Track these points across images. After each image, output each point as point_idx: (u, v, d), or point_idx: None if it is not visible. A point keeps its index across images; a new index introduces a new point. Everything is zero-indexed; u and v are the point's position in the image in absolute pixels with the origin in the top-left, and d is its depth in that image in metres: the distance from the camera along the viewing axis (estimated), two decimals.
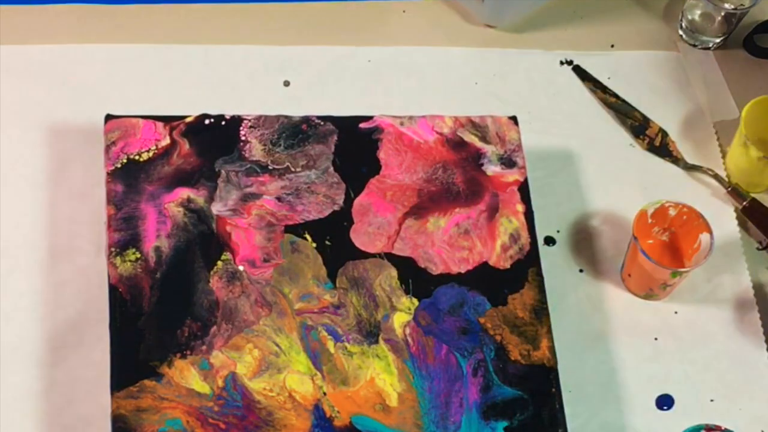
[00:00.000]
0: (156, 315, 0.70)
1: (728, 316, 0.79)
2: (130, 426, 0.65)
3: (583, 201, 0.83)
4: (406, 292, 0.73)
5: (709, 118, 0.90)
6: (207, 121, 0.78)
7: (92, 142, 0.79)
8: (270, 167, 0.76)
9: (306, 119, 0.79)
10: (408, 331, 0.72)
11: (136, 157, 0.76)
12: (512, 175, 0.79)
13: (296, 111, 0.81)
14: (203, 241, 0.73)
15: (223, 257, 0.72)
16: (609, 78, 0.91)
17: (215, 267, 0.72)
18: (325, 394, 0.69)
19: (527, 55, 0.91)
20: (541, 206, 0.79)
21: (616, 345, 0.77)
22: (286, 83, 0.86)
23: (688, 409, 0.75)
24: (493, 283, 0.74)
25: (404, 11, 0.93)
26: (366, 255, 0.74)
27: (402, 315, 0.72)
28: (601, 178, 0.85)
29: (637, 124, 0.88)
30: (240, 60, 0.87)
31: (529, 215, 0.77)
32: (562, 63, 0.91)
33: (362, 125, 0.80)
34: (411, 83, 0.88)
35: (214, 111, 0.79)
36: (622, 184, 0.85)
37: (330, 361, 0.70)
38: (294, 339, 0.70)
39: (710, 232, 0.76)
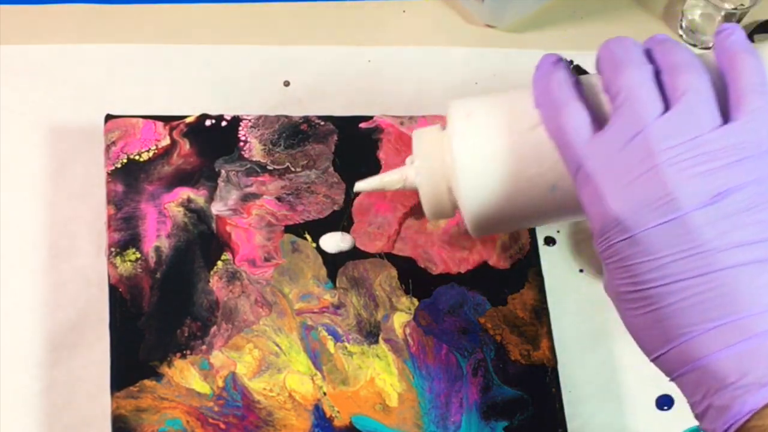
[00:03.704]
0: (156, 315, 0.70)
1: None
2: (130, 426, 0.65)
3: None
4: (406, 292, 0.73)
5: None
6: (207, 122, 0.78)
7: (92, 142, 0.79)
8: (270, 167, 0.76)
9: (306, 119, 0.79)
10: (408, 331, 0.72)
11: (136, 157, 0.76)
12: None
13: (296, 111, 0.81)
14: (203, 241, 0.73)
15: (223, 257, 0.72)
16: None
17: (215, 267, 0.72)
18: (325, 394, 0.69)
19: (527, 55, 0.91)
20: None
21: (616, 345, 0.77)
22: (286, 83, 0.86)
23: (688, 409, 0.75)
24: (493, 283, 0.74)
25: (404, 11, 0.93)
26: (366, 255, 0.74)
27: (402, 315, 0.72)
28: None
29: None
30: (240, 60, 0.87)
31: None
32: None
33: (362, 125, 0.80)
34: (411, 83, 0.88)
35: (214, 111, 0.79)
36: None
37: (330, 361, 0.70)
38: (294, 339, 0.70)
39: None
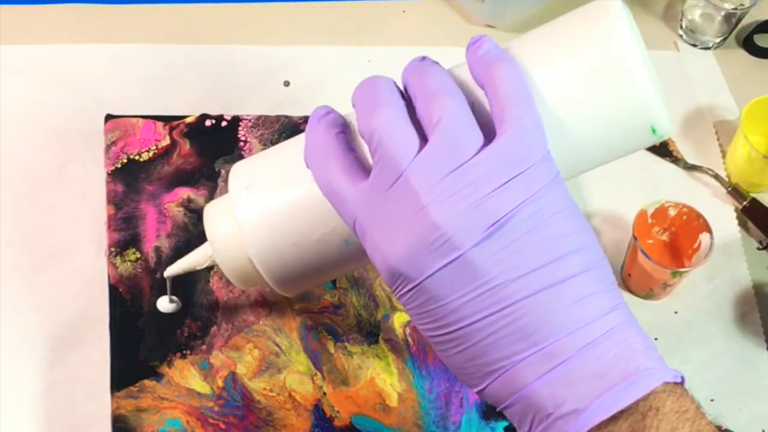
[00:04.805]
0: (156, 315, 0.70)
1: (728, 316, 0.79)
2: (130, 426, 0.65)
3: (583, 201, 0.83)
4: None
5: (709, 118, 0.90)
6: (207, 122, 0.78)
7: (92, 142, 0.79)
8: None
9: (306, 119, 0.79)
10: (408, 331, 0.72)
11: (136, 157, 0.76)
12: None
13: (296, 111, 0.81)
14: (203, 241, 0.73)
15: None
16: None
17: (215, 267, 0.72)
18: (325, 394, 0.69)
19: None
20: None
21: None
22: (286, 83, 0.86)
23: None
24: None
25: (404, 11, 0.93)
26: None
27: (402, 315, 0.72)
28: (601, 178, 0.85)
29: None
30: (240, 60, 0.87)
31: None
32: None
33: None
34: None
35: (214, 111, 0.79)
36: (622, 184, 0.85)
37: (330, 361, 0.70)
38: (294, 339, 0.70)
39: (710, 232, 0.76)
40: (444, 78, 0.46)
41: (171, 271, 0.63)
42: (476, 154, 0.43)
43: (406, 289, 0.44)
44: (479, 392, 0.45)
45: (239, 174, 0.54)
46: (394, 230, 0.43)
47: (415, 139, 0.44)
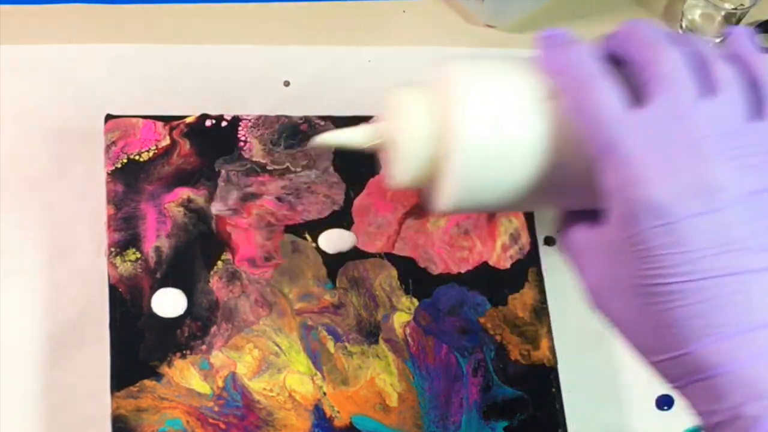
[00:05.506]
0: (156, 315, 0.70)
1: None
2: (130, 426, 0.65)
3: None
4: (406, 292, 0.73)
5: None
6: (207, 122, 0.78)
7: (92, 142, 0.79)
8: (270, 167, 0.76)
9: (306, 119, 0.79)
10: (408, 331, 0.72)
11: (136, 157, 0.76)
12: None
13: (296, 111, 0.81)
14: (203, 241, 0.73)
15: (223, 257, 0.72)
16: None
17: (215, 267, 0.72)
18: (325, 394, 0.69)
19: (527, 55, 0.91)
20: None
21: (616, 345, 0.77)
22: (286, 83, 0.86)
23: (688, 409, 0.75)
24: (493, 283, 0.74)
25: (404, 11, 0.93)
26: (366, 255, 0.74)
27: (402, 315, 0.72)
28: None
29: None
30: (240, 60, 0.87)
31: (529, 215, 0.77)
32: None
33: None
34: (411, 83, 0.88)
35: (214, 111, 0.79)
36: None
37: (330, 361, 0.70)
38: (294, 339, 0.70)
39: None
40: (716, 49, 0.48)
41: (322, 139, 0.54)
42: (748, 123, 0.45)
43: (655, 224, 0.43)
44: (664, 360, 0.44)
45: (466, 68, 0.52)
46: (666, 164, 0.43)
47: (699, 88, 0.45)
